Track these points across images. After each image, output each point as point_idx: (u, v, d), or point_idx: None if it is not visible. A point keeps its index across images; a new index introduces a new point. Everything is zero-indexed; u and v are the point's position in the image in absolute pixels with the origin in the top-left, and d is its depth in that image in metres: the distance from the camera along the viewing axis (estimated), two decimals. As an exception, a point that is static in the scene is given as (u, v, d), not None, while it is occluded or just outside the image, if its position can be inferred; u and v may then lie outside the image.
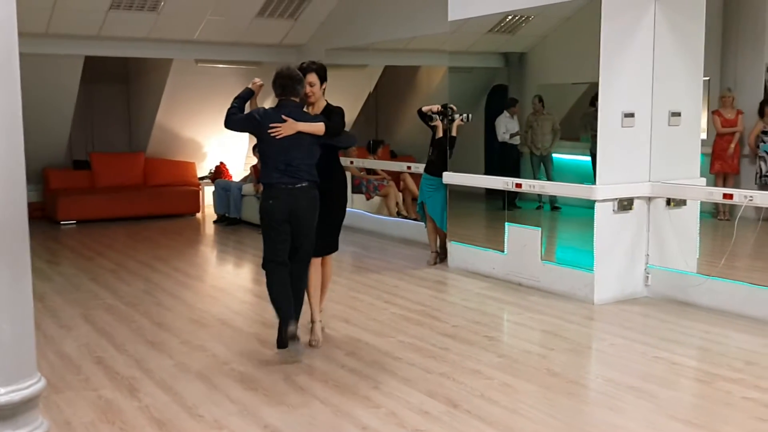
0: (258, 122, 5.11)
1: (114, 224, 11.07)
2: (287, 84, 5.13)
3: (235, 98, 5.26)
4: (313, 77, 5.28)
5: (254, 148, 11.02)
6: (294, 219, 5.09)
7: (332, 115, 5.29)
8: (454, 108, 7.90)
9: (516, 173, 7.96)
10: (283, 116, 5.04)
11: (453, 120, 7.87)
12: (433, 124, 8.00)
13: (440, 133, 8.00)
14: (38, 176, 11.57)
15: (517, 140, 8.45)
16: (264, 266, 5.17)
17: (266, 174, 5.15)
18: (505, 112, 8.63)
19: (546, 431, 3.89)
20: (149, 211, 11.65)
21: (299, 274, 5.26)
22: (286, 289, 5.12)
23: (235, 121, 5.20)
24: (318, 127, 5.09)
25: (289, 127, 5.02)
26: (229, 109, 5.20)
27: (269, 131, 5.03)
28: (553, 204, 7.97)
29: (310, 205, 5.13)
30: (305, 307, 5.36)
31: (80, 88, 11.10)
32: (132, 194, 11.73)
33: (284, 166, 5.04)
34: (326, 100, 5.43)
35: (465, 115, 7.89)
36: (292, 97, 5.15)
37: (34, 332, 2.44)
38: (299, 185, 5.06)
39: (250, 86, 5.33)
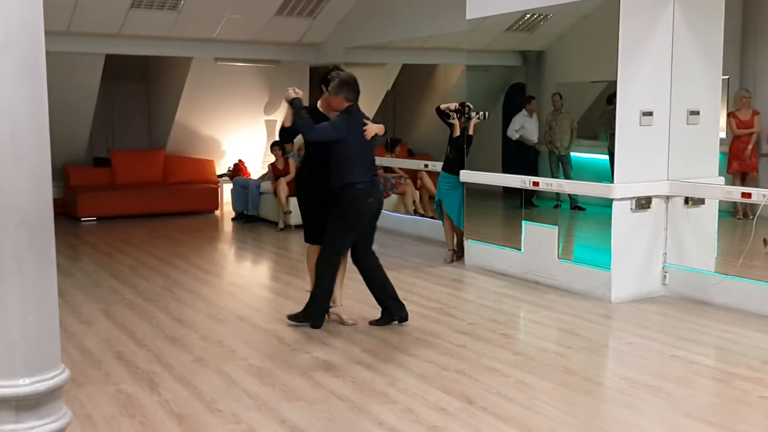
0: (348, 127, 5.46)
1: (134, 221, 11.17)
2: (358, 90, 5.54)
3: (301, 110, 5.42)
4: None
5: (272, 146, 11.13)
6: (376, 214, 5.72)
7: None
8: (471, 106, 7.90)
9: (533, 172, 7.95)
10: (365, 120, 5.53)
11: (470, 118, 7.88)
12: (450, 121, 8.00)
13: (457, 132, 8.00)
14: (59, 173, 11.67)
15: (527, 141, 8.43)
16: (333, 259, 5.59)
17: (356, 174, 5.47)
18: (523, 110, 8.61)
19: (562, 429, 3.90)
20: (168, 208, 11.73)
21: (378, 263, 5.79)
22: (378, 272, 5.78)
23: (323, 130, 5.42)
24: (382, 128, 5.65)
25: (375, 129, 5.55)
26: (305, 122, 5.40)
27: (365, 134, 5.47)
28: (575, 204, 7.94)
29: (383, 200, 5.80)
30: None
31: (101, 86, 11.21)
32: (151, 191, 11.82)
33: (370, 164, 5.58)
34: None
35: (482, 113, 7.89)
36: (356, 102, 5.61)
37: (58, 324, 2.49)
38: (377, 183, 5.68)
39: (295, 96, 5.45)
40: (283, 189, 10.46)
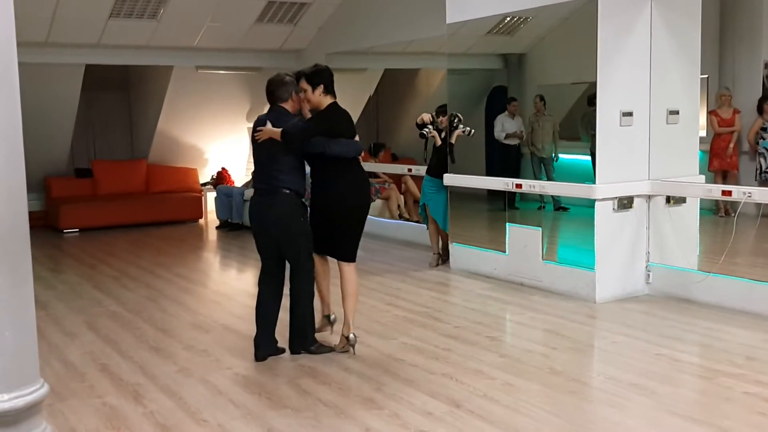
0: (254, 128, 5.21)
1: (116, 232, 11.11)
2: (270, 90, 5.21)
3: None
4: (303, 83, 5.22)
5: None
6: (273, 228, 5.12)
7: (313, 118, 5.22)
8: (461, 117, 7.91)
9: (516, 174, 7.97)
10: (269, 121, 5.10)
11: (456, 128, 7.87)
12: (430, 135, 8.01)
13: (439, 142, 8.02)
14: (40, 185, 11.61)
15: (512, 141, 8.43)
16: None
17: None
18: (506, 111, 8.61)
19: (548, 430, 3.91)
20: (152, 218, 11.67)
21: (296, 289, 5.20)
22: (269, 303, 5.26)
23: None
24: (276, 133, 5.00)
25: (265, 133, 5.05)
26: None
27: (255, 135, 5.12)
28: (559, 205, 7.97)
29: (282, 213, 5.10)
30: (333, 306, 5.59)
31: (81, 97, 11.14)
32: (134, 201, 11.76)
33: (259, 170, 5.19)
34: (331, 104, 5.25)
35: (468, 128, 7.87)
36: (279, 103, 5.20)
37: (36, 338, 2.47)
38: (272, 192, 5.09)
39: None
40: (267, 196, 10.41)
